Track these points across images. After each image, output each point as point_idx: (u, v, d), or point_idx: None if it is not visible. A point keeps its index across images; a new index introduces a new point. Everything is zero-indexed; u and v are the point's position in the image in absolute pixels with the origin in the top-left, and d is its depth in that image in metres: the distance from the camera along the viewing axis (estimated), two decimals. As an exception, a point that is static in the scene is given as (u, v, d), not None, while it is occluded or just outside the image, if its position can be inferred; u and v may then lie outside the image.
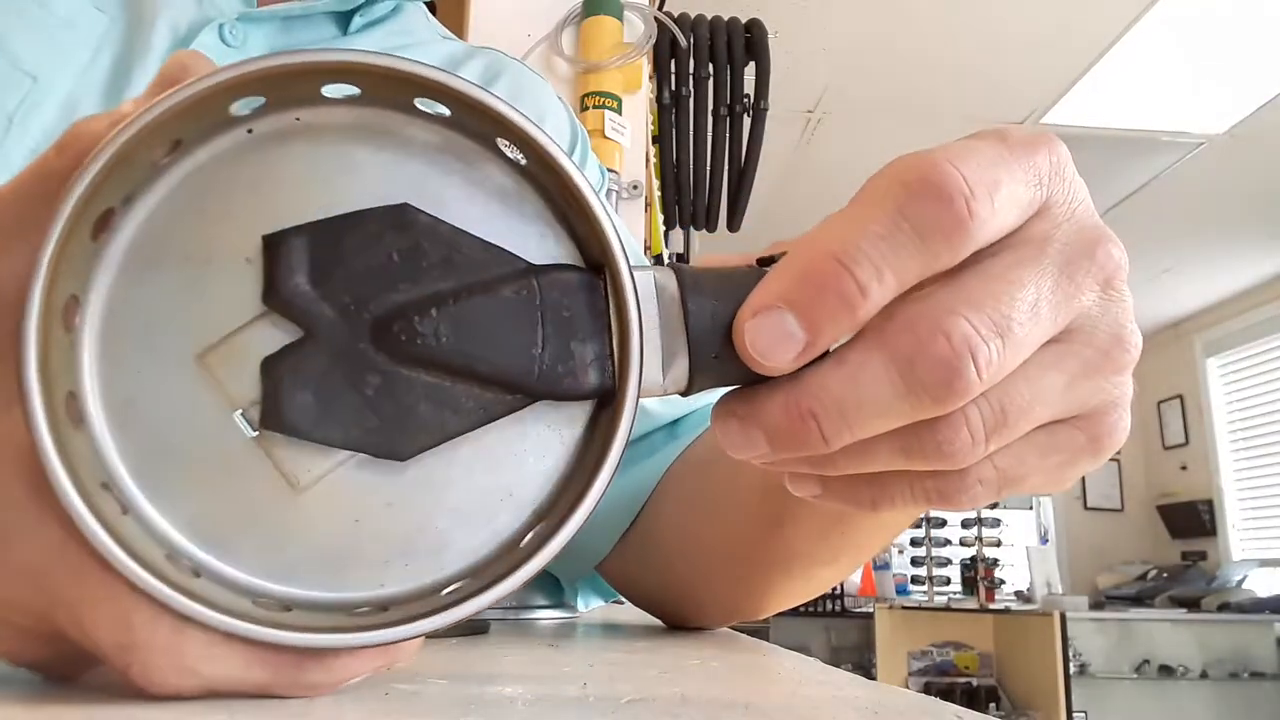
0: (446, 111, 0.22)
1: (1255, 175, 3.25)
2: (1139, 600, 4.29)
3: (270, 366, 0.20)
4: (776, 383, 0.21)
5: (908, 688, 0.37)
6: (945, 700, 0.26)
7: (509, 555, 0.22)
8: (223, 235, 0.21)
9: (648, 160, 1.50)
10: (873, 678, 2.70)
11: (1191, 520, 4.70)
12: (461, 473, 0.22)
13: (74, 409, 0.20)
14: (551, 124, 0.63)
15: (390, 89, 0.21)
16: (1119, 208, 3.34)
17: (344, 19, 0.56)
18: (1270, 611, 3.92)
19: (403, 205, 0.21)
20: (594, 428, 0.23)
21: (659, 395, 0.23)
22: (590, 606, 0.61)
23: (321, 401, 0.20)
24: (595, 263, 0.23)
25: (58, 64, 0.45)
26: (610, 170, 1.25)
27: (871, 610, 4.04)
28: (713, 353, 0.22)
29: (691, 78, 1.63)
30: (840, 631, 4.49)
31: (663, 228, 1.71)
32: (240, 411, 0.21)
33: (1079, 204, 0.23)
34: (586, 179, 0.22)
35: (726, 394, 0.23)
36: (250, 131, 0.21)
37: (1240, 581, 4.15)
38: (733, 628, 0.53)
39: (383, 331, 0.21)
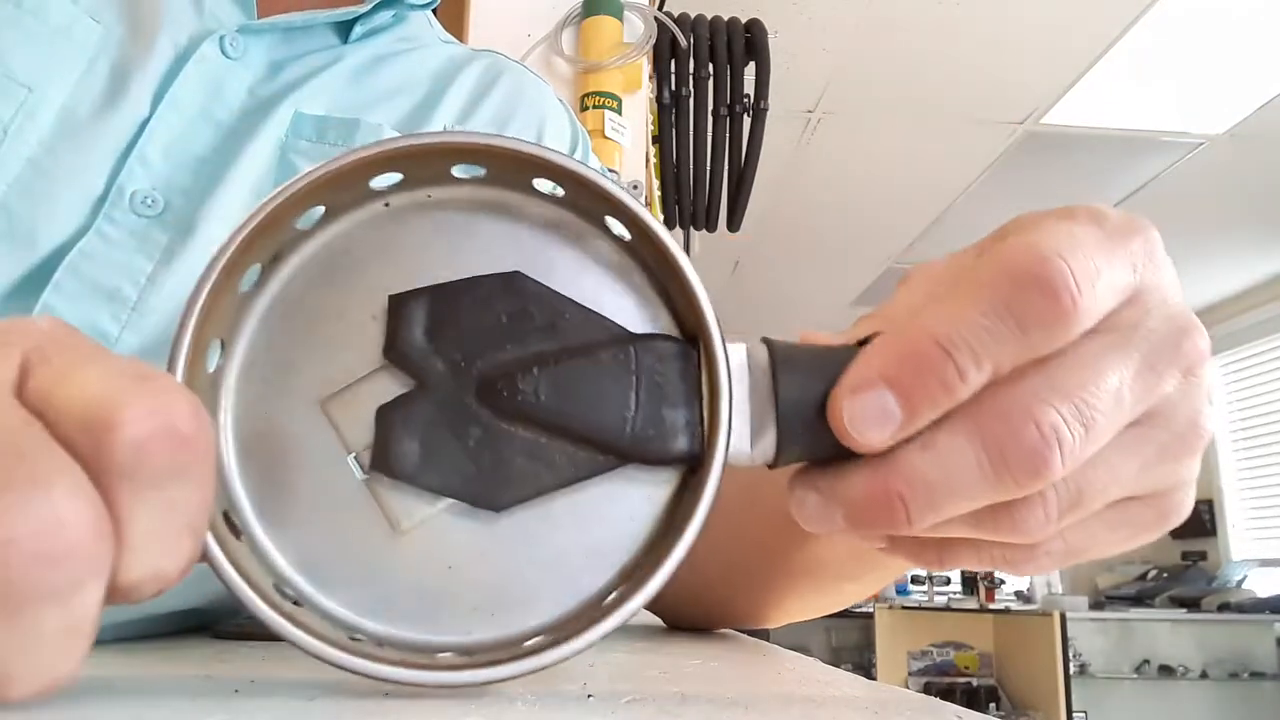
0: (561, 192, 0.24)
1: (1255, 175, 3.25)
2: (1139, 600, 4.29)
3: (384, 414, 0.22)
4: (863, 461, 0.22)
5: (908, 688, 0.37)
6: (945, 700, 0.26)
7: (590, 611, 0.23)
8: (355, 295, 0.23)
9: (648, 160, 1.50)
10: (873, 678, 2.70)
11: (1191, 520, 4.69)
12: (553, 529, 0.23)
13: (219, 529, 0.22)
14: (552, 126, 0.62)
15: (512, 169, 0.24)
16: (1119, 208, 3.33)
17: (344, 28, 0.56)
18: (1270, 611, 3.92)
19: (515, 272, 0.23)
20: (682, 493, 0.24)
21: (746, 465, 0.23)
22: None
23: (426, 449, 0.22)
24: (691, 334, 0.24)
25: (53, 74, 0.45)
26: (610, 170, 1.25)
27: (871, 610, 4.04)
28: (802, 427, 0.23)
29: (691, 78, 1.63)
30: (840, 631, 4.49)
31: (663, 228, 1.71)
32: (354, 455, 0.22)
33: (1169, 289, 0.23)
34: (684, 253, 0.23)
35: (803, 467, 0.23)
36: (387, 205, 0.24)
37: (1240, 581, 4.15)
38: (733, 629, 0.53)
39: (487, 387, 0.22)
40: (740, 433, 0.23)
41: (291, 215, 0.23)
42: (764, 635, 0.52)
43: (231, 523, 0.22)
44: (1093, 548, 0.24)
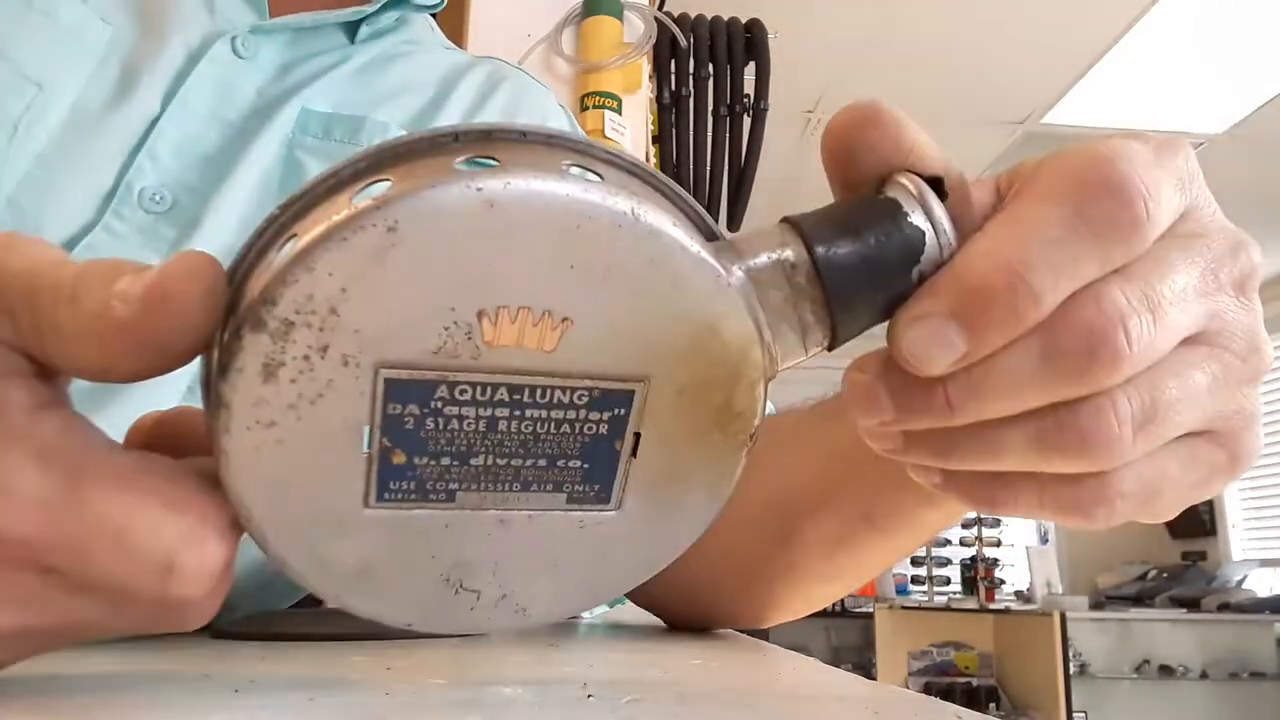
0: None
1: (1255, 175, 3.25)
2: (1139, 600, 4.29)
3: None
4: (918, 379, 0.20)
5: (908, 688, 0.37)
6: (945, 700, 0.26)
7: None
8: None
9: (648, 160, 1.50)
10: (873, 678, 2.70)
11: (1191, 520, 4.70)
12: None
13: None
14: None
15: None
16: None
17: (352, 29, 0.57)
18: (1270, 611, 3.92)
19: None
20: None
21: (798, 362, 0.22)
22: (596, 613, 0.61)
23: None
24: None
25: (63, 72, 0.45)
26: (610, 170, 1.24)
27: (871, 610, 4.04)
28: (857, 318, 0.21)
29: (691, 78, 1.63)
30: (840, 631, 4.49)
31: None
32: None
33: (1213, 209, 0.22)
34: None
35: (865, 355, 0.22)
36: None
37: (1240, 581, 4.15)
38: (733, 628, 0.53)
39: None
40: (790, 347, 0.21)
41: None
42: (764, 635, 0.52)
43: None
44: (1166, 491, 0.22)
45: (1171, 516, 0.24)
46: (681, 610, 0.52)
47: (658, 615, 0.55)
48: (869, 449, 0.23)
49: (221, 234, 0.48)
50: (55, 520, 0.18)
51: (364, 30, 0.57)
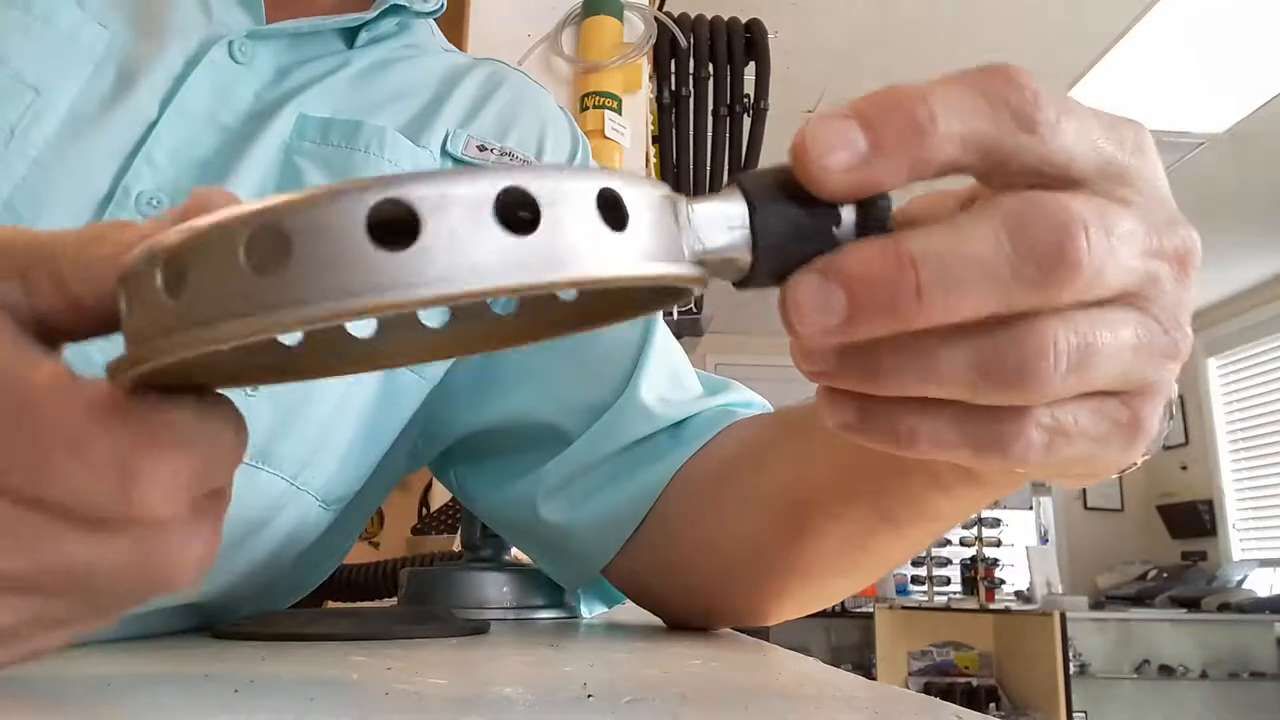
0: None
1: (1255, 175, 3.25)
2: (1139, 600, 4.29)
3: None
4: (870, 240, 0.20)
5: (908, 688, 0.37)
6: (945, 700, 0.26)
7: None
8: None
9: (648, 160, 1.50)
10: (873, 678, 2.70)
11: (1191, 520, 4.70)
12: None
13: None
14: (553, 134, 0.63)
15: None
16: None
17: (350, 34, 0.57)
18: (1270, 611, 3.92)
19: None
20: None
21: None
22: (595, 612, 0.61)
23: None
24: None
25: (60, 77, 0.45)
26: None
27: (871, 610, 4.04)
28: (774, 268, 0.21)
29: (691, 78, 1.63)
30: (840, 631, 4.49)
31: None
32: None
33: (1160, 186, 0.23)
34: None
35: (802, 269, 0.21)
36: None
37: (1240, 581, 4.15)
38: (733, 627, 0.53)
39: None
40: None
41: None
42: (764, 635, 0.52)
43: None
44: (1074, 438, 0.22)
45: (1068, 476, 0.24)
46: (686, 607, 0.52)
47: (658, 614, 0.55)
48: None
49: None
50: (5, 434, 0.19)
51: (363, 36, 0.57)
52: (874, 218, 0.21)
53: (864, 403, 0.23)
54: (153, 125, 0.47)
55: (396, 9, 0.58)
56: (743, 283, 0.22)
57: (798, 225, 0.21)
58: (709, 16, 1.67)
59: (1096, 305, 0.21)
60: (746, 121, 1.66)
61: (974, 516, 4.10)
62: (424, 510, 1.25)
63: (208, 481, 0.20)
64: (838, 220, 0.21)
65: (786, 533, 0.43)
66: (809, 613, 0.50)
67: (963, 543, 4.28)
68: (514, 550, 0.68)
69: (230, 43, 0.50)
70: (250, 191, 0.49)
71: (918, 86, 0.21)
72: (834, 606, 4.16)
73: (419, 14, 0.60)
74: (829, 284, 0.20)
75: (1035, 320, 0.20)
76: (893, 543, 0.41)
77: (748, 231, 0.21)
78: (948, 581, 4.30)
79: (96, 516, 0.19)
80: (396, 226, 0.16)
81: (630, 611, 0.59)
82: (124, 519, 0.19)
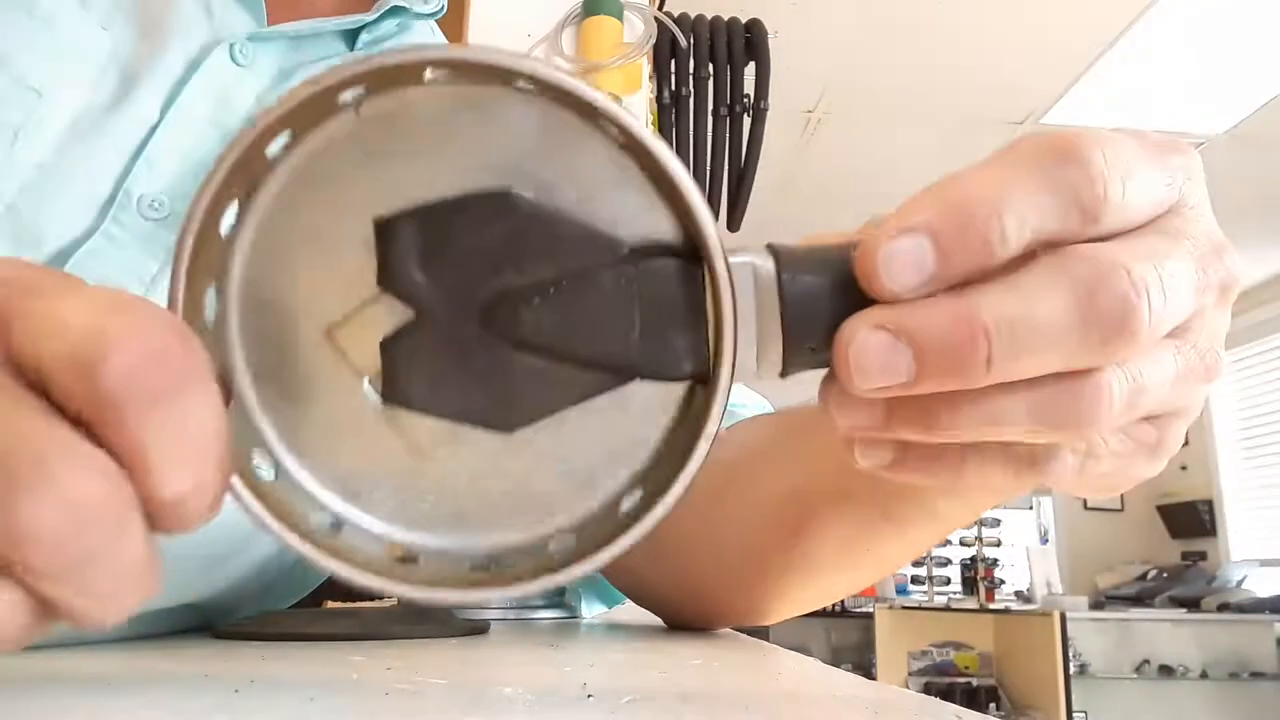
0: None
1: (1255, 175, 3.25)
2: (1139, 600, 4.29)
3: (388, 346, 0.22)
4: (944, 296, 0.21)
5: (908, 688, 0.37)
6: (945, 700, 0.26)
7: (610, 519, 0.23)
8: (340, 217, 0.22)
9: (648, 160, 1.50)
10: (873, 678, 2.70)
11: (1191, 520, 4.70)
12: (569, 438, 0.23)
13: (223, 390, 0.21)
14: None
15: (486, 77, 0.22)
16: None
17: (351, 36, 0.57)
18: (1270, 611, 3.92)
19: (506, 191, 0.22)
20: (691, 403, 0.24)
21: (751, 378, 0.23)
22: (594, 612, 0.61)
23: (433, 378, 0.22)
24: (694, 241, 0.23)
25: (63, 80, 0.46)
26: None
27: (871, 610, 4.04)
28: (808, 336, 0.22)
29: (691, 78, 1.63)
30: (840, 631, 4.49)
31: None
32: (368, 379, 0.22)
33: (1208, 213, 0.23)
34: (683, 167, 0.22)
35: (863, 312, 0.21)
36: (359, 113, 0.23)
37: (1240, 581, 4.15)
38: (733, 627, 0.53)
39: (489, 315, 0.22)
40: (747, 354, 0.22)
41: (259, 147, 0.22)
42: (764, 635, 0.52)
43: (258, 467, 0.22)
44: (1102, 459, 0.23)
45: (1096, 491, 0.25)
46: (686, 606, 0.52)
47: (658, 614, 0.55)
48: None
49: None
50: None
51: (364, 38, 0.57)
52: None
53: (902, 445, 0.23)
54: (154, 128, 0.47)
55: (397, 10, 0.58)
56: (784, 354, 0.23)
57: (832, 289, 0.22)
58: (709, 16, 1.67)
59: None
60: (746, 121, 1.66)
61: (974, 516, 4.10)
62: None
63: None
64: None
65: (788, 532, 0.43)
66: (808, 610, 0.50)
67: (963, 543, 4.28)
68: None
69: (231, 45, 0.50)
70: None
71: (991, 186, 0.20)
72: (834, 606, 4.14)
73: (420, 15, 0.61)
74: (898, 344, 0.20)
75: (1094, 373, 0.21)
76: (895, 542, 0.41)
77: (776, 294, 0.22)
78: (948, 581, 4.30)
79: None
80: None
81: (630, 611, 0.59)
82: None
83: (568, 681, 0.27)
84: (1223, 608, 3.96)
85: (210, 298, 0.22)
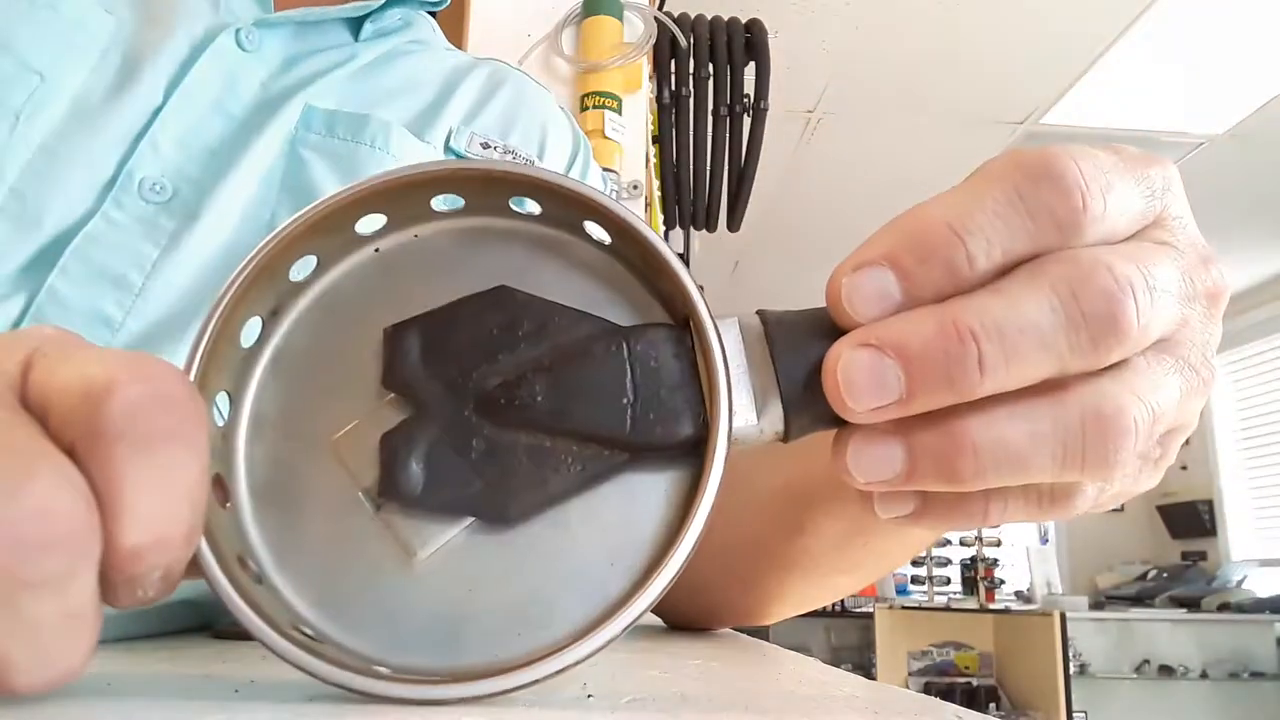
0: (537, 210, 0.24)
1: (1255, 175, 3.25)
2: (1139, 600, 4.29)
3: (387, 440, 0.22)
4: (925, 308, 0.20)
5: (908, 688, 0.37)
6: (945, 700, 0.26)
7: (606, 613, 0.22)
8: (355, 338, 0.24)
9: (648, 160, 1.50)
10: (873, 678, 2.70)
11: (1191, 520, 4.70)
12: (571, 538, 0.22)
13: (220, 492, 0.22)
14: (554, 134, 0.63)
15: (484, 190, 0.24)
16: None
17: (355, 25, 0.57)
18: (1270, 611, 3.92)
19: (501, 286, 0.23)
20: (696, 483, 0.23)
21: (757, 440, 0.23)
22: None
23: (431, 469, 0.22)
24: (683, 318, 0.23)
25: (65, 63, 0.46)
26: (610, 170, 1.25)
27: (871, 610, 4.04)
28: (806, 390, 0.22)
29: (691, 78, 1.63)
30: (840, 631, 4.49)
31: (663, 228, 1.71)
32: (364, 491, 0.22)
33: (1191, 224, 0.23)
34: (664, 242, 0.23)
35: (847, 335, 0.21)
36: (377, 250, 0.25)
37: (1240, 581, 4.15)
38: (733, 627, 0.53)
39: (485, 399, 0.22)
40: (744, 408, 0.22)
41: (284, 263, 0.23)
42: (764, 635, 0.52)
43: (247, 566, 0.22)
44: (1116, 483, 0.23)
45: (1102, 509, 0.25)
46: (686, 606, 0.52)
47: (658, 614, 0.55)
48: None
49: (221, 228, 0.47)
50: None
51: (368, 29, 0.57)
52: None
53: (924, 496, 0.23)
54: (158, 111, 0.47)
55: (399, 1, 0.58)
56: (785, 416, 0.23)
57: (821, 343, 0.22)
58: (709, 16, 1.67)
59: (1144, 360, 0.21)
60: (746, 121, 1.66)
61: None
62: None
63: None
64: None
65: (787, 530, 0.43)
66: (808, 609, 0.50)
67: (963, 543, 4.28)
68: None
69: (238, 30, 0.51)
70: (255, 180, 0.49)
71: (952, 209, 0.20)
72: (834, 606, 4.13)
73: (421, 5, 0.61)
74: (884, 359, 0.20)
75: (1116, 407, 0.20)
76: (894, 539, 0.42)
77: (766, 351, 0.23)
78: (948, 581, 4.30)
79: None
80: None
81: (630, 611, 0.59)
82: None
83: (568, 681, 0.27)
84: (1223, 608, 3.96)
85: (224, 403, 0.23)
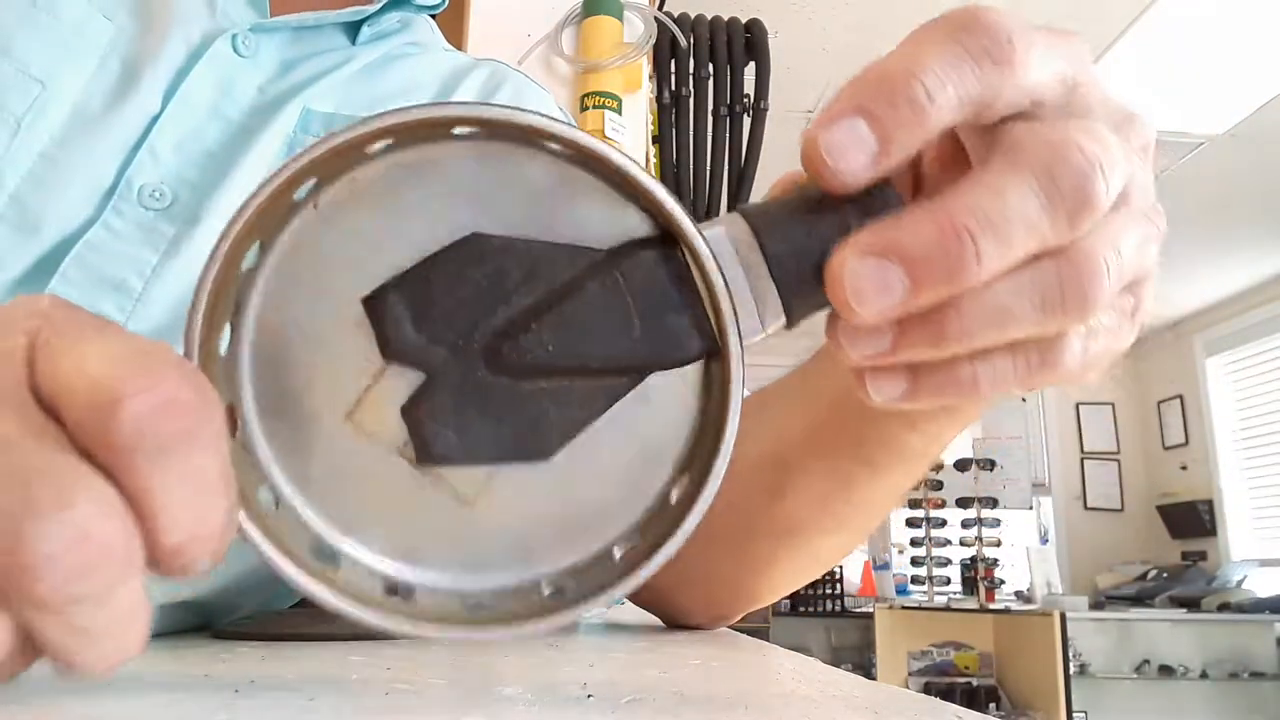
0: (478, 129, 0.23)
1: (1255, 175, 3.25)
2: (1139, 600, 4.29)
3: (409, 412, 0.23)
4: (917, 208, 0.21)
5: (908, 688, 0.37)
6: (945, 700, 0.26)
7: (663, 513, 0.24)
8: (327, 307, 0.23)
9: (648, 160, 1.50)
10: (873, 678, 2.71)
11: (1191, 520, 4.70)
12: (606, 449, 0.24)
13: (231, 420, 0.22)
14: None
15: (425, 132, 0.23)
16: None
17: (353, 29, 0.57)
18: (1270, 611, 3.92)
19: (472, 235, 0.23)
20: (710, 379, 0.24)
21: (762, 335, 0.24)
22: (593, 611, 0.61)
23: (460, 430, 0.23)
24: (665, 226, 0.23)
25: (66, 69, 0.46)
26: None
27: (871, 610, 4.04)
28: (801, 281, 0.23)
29: (691, 78, 1.63)
30: (840, 631, 4.49)
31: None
32: (398, 450, 0.23)
33: (1104, 84, 0.25)
34: (630, 159, 0.23)
35: (848, 240, 0.22)
36: (316, 208, 0.23)
37: (1240, 581, 4.15)
38: (733, 627, 0.53)
39: (494, 356, 0.23)
40: (749, 315, 0.23)
41: (234, 265, 0.23)
42: (764, 635, 0.52)
43: (322, 552, 0.23)
44: (1099, 337, 0.24)
45: (1093, 375, 0.26)
46: (680, 597, 0.52)
47: (655, 611, 0.55)
48: (853, 393, 0.24)
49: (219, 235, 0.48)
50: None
51: (366, 32, 0.57)
52: (880, 198, 0.23)
53: (914, 371, 0.24)
54: (156, 118, 0.47)
55: (398, 3, 0.58)
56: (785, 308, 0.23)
57: (808, 230, 0.23)
58: (709, 16, 1.67)
59: (1105, 217, 0.23)
60: (746, 121, 1.66)
61: (974, 516, 4.10)
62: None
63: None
64: (844, 211, 0.23)
65: (768, 495, 0.44)
66: (802, 583, 0.50)
67: (963, 543, 4.28)
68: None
69: (234, 36, 0.51)
70: (254, 183, 0.49)
71: (904, 60, 0.22)
72: (834, 606, 4.12)
73: (421, 7, 0.61)
74: (887, 264, 0.21)
75: (1085, 252, 0.22)
76: (871, 488, 0.42)
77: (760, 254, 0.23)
78: (948, 581, 4.30)
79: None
80: None
81: (630, 611, 0.59)
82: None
83: (568, 681, 0.27)
84: (1223, 608, 3.96)
85: (226, 334, 0.23)
